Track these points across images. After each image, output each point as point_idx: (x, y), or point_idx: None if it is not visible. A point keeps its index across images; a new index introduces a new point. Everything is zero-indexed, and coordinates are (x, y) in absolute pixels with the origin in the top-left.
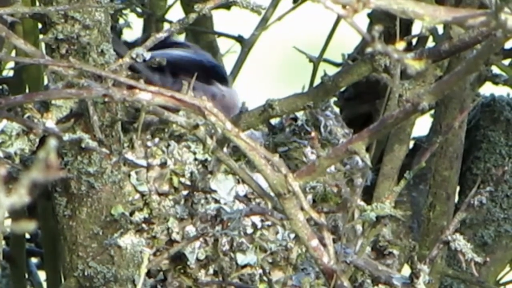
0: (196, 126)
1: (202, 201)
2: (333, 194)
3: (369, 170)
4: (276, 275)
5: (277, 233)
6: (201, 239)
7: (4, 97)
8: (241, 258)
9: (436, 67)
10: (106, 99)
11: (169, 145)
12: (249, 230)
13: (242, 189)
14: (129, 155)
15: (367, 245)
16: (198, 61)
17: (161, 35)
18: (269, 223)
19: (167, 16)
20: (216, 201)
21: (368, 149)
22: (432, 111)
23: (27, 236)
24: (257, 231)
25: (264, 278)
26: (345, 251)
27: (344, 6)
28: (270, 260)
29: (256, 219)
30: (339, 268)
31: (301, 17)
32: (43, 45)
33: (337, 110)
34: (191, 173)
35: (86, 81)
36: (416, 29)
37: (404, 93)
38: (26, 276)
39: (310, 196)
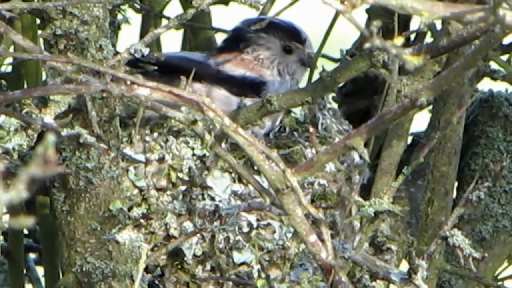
0: (195, 122)
1: (200, 196)
2: (332, 193)
3: (367, 168)
4: (273, 273)
5: (274, 232)
6: (198, 235)
7: (3, 92)
8: (237, 257)
9: (435, 63)
10: (104, 95)
11: (167, 140)
12: (245, 229)
13: (238, 188)
14: (127, 150)
15: (365, 240)
16: (191, 59)
17: (160, 31)
18: (265, 222)
19: (165, 12)
20: (212, 199)
21: (366, 145)
22: (431, 107)
23: (25, 231)
24: (253, 230)
25: (262, 274)
26: (343, 247)
27: (342, 2)
28: (267, 258)
29: (252, 218)
30: (337, 263)
31: (299, 13)
32: (41, 40)
33: (335, 106)
34: (189, 168)
35: (84, 76)
36: (414, 24)
37: (403, 88)
38: (24, 271)
39: (309, 197)
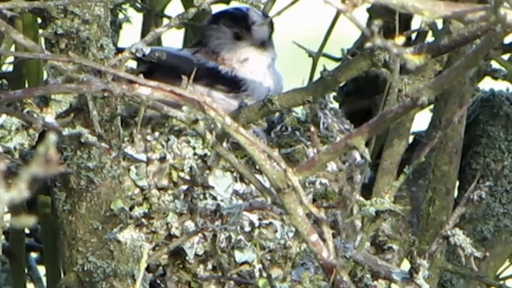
0: (196, 121)
1: (202, 196)
2: (334, 193)
3: (368, 167)
4: (275, 272)
5: (275, 231)
6: (199, 234)
7: (4, 92)
8: (239, 256)
9: (436, 62)
10: (106, 94)
11: (168, 139)
12: (247, 229)
13: (240, 187)
14: (129, 150)
15: (366, 240)
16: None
17: (161, 30)
18: (267, 221)
19: (167, 11)
20: (213, 198)
21: (367, 144)
22: (432, 106)
23: (27, 231)
24: (255, 229)
25: (263, 273)
26: (345, 246)
27: (343, 1)
28: (269, 258)
29: (254, 217)
30: (338, 263)
31: (300, 12)
32: (42, 39)
33: (336, 105)
34: (191, 167)
35: (85, 76)
36: (415, 24)
37: (404, 88)
38: (26, 271)
39: (310, 196)
